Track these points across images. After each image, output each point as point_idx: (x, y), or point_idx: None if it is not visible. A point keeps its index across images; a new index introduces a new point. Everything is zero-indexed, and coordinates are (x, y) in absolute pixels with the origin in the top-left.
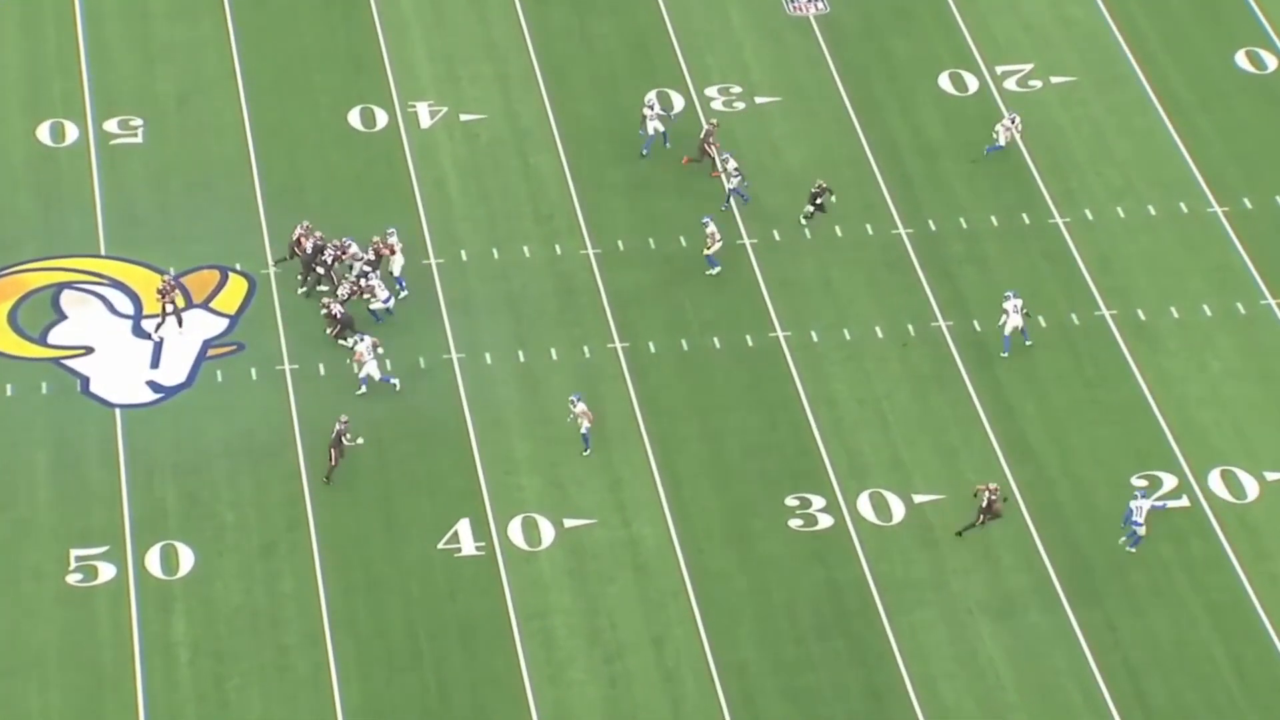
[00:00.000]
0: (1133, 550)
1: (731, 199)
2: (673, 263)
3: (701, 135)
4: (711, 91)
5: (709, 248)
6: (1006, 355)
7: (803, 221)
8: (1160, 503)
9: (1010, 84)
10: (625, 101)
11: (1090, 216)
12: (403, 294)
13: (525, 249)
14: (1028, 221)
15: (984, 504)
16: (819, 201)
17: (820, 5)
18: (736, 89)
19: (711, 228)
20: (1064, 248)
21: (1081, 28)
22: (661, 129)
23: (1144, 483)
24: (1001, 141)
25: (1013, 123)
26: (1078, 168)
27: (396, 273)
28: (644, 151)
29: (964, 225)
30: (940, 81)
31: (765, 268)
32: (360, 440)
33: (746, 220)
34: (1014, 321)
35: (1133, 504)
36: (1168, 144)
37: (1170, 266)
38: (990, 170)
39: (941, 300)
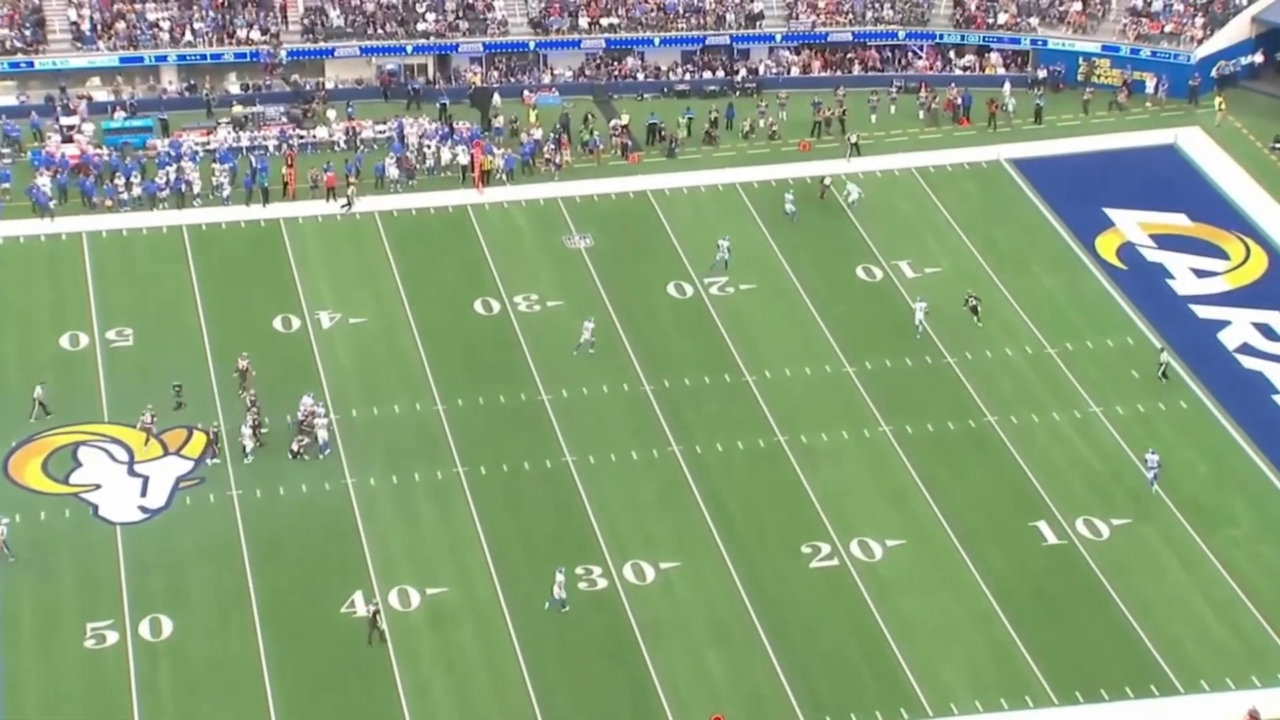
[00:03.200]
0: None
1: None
2: (496, 412)
3: (825, 182)
4: (518, 299)
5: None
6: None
7: (977, 318)
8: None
9: (714, 290)
10: (461, 308)
11: (769, 375)
12: (326, 451)
13: (395, 406)
14: (728, 379)
15: None
16: (977, 307)
17: (588, 241)
18: (534, 296)
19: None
20: (752, 396)
21: (761, 256)
22: (726, 256)
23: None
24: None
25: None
26: (757, 342)
27: (322, 440)
28: (722, 264)
29: (687, 383)
30: (668, 289)
31: (558, 415)
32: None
33: (544, 382)
34: (918, 316)
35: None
36: (815, 326)
37: (820, 405)
38: (701, 346)
39: (674, 431)
